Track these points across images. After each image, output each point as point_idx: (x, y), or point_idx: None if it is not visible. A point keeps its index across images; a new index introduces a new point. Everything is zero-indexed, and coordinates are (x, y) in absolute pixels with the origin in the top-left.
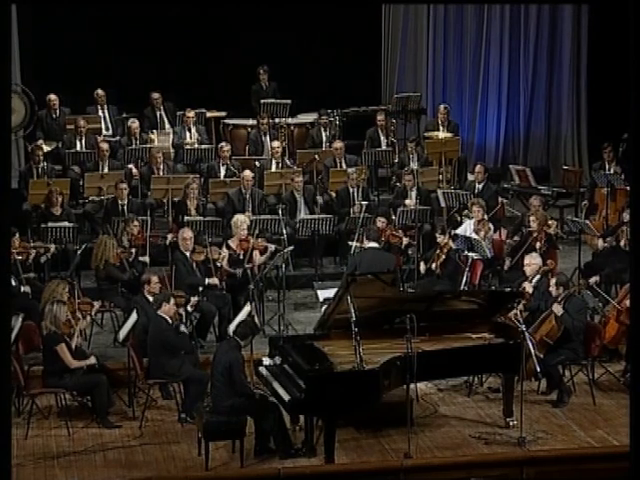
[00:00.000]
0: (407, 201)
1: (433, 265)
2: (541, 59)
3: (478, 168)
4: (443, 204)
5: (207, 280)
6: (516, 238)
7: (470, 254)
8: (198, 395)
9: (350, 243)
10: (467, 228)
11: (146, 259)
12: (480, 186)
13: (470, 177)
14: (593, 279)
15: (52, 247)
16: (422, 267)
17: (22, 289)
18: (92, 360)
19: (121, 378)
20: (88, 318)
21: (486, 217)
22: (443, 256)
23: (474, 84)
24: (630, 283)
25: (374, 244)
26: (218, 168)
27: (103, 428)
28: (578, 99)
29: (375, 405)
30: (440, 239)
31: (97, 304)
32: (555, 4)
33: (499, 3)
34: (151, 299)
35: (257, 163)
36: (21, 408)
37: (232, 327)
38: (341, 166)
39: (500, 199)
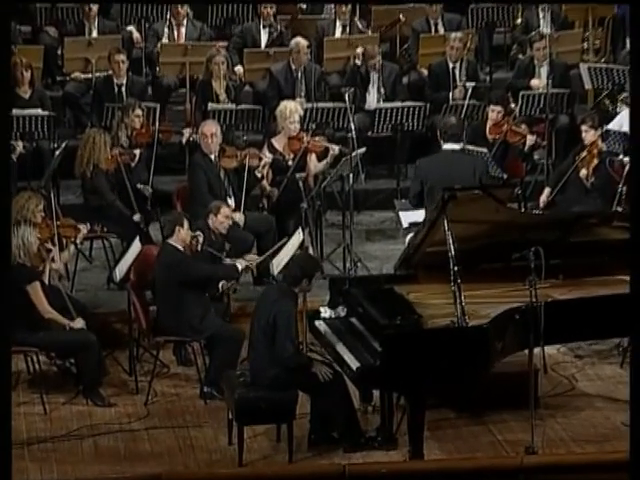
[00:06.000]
0: (534, 81)
1: (582, 172)
2: None
3: None
4: (589, 85)
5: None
6: None
7: (627, 159)
8: (229, 360)
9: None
10: (623, 122)
11: (147, 188)
12: None
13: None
14: None
15: (19, 145)
16: (544, 196)
17: None
18: (79, 324)
19: (119, 334)
20: (72, 248)
21: None
22: (595, 160)
23: None
24: (630, 283)
25: (453, 145)
26: (257, 32)
27: (93, 405)
28: None
29: (483, 377)
30: (589, 135)
31: (84, 228)
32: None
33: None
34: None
35: (319, 25)
36: None
37: (277, 264)
38: (437, 30)
39: None
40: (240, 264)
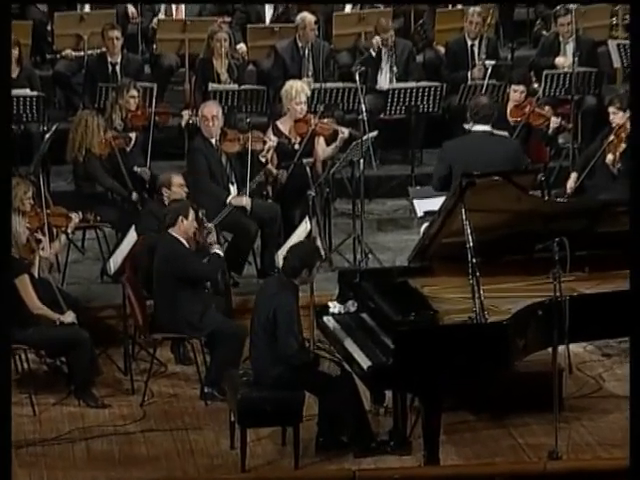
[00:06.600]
0: (559, 59)
1: (609, 157)
2: None
3: None
4: (617, 63)
5: (230, 198)
6: None
7: None
8: (231, 358)
9: (466, 126)
10: None
11: (145, 171)
12: None
13: None
14: None
15: None
16: (571, 182)
17: None
18: (69, 318)
19: (113, 330)
20: (63, 238)
21: None
22: (623, 144)
23: None
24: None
25: (484, 127)
26: (262, 7)
27: (85, 406)
28: None
29: (503, 377)
30: (617, 118)
31: (76, 217)
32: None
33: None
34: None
35: None
36: None
37: (282, 255)
38: (454, 5)
39: None
40: (220, 250)
